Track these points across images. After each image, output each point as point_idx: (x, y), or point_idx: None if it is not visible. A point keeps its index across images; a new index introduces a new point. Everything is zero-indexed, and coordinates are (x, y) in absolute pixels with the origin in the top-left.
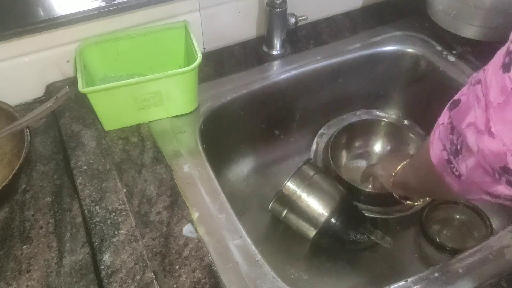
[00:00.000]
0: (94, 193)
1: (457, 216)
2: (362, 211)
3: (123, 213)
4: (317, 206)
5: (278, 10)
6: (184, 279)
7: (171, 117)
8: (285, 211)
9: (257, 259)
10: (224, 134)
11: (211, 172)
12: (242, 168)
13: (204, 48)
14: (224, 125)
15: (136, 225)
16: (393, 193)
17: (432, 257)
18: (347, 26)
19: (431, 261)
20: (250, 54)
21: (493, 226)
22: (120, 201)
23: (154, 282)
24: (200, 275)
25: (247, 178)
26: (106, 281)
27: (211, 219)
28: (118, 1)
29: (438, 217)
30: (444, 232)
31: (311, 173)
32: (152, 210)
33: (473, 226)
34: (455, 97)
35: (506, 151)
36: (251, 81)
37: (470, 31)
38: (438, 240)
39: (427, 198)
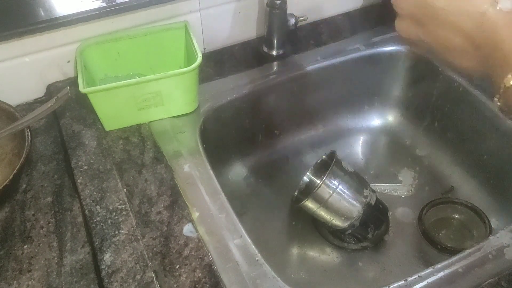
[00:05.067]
0: (95, 193)
1: (457, 216)
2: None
3: (123, 212)
4: (350, 202)
5: (278, 10)
6: (185, 279)
7: (171, 117)
8: (316, 208)
9: (257, 258)
10: (224, 134)
11: (211, 172)
12: (242, 168)
13: (204, 48)
14: (224, 125)
15: (136, 224)
16: None
17: (432, 257)
18: (347, 26)
19: (430, 261)
20: (250, 54)
21: (493, 225)
22: (121, 201)
23: (155, 281)
24: (200, 274)
25: (247, 178)
26: (106, 280)
27: (211, 219)
28: (119, 1)
29: (438, 217)
30: (444, 232)
31: (343, 169)
32: (153, 209)
33: (472, 225)
34: None
35: None
36: (251, 81)
37: None
38: (437, 240)
39: None
